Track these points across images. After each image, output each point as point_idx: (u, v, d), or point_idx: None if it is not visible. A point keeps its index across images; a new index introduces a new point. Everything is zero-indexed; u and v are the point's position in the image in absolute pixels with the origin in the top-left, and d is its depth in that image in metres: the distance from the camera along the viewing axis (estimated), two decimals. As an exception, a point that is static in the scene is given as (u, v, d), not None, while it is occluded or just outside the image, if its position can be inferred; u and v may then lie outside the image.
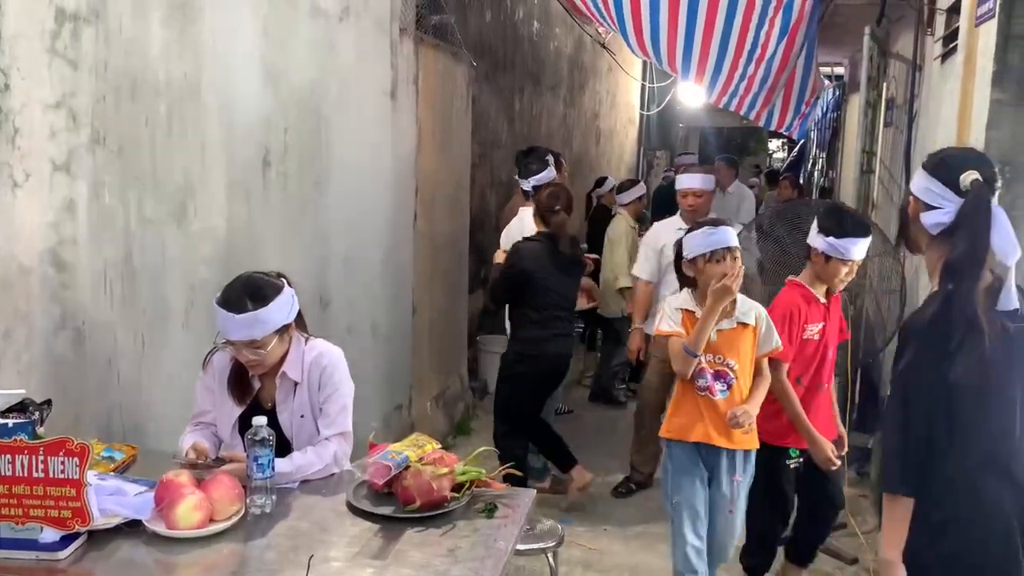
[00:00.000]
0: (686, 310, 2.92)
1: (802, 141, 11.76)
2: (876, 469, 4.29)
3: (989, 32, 3.08)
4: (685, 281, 3.00)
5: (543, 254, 4.04)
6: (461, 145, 5.48)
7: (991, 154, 3.00)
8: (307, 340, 2.40)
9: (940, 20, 4.12)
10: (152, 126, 2.63)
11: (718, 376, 2.89)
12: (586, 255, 5.17)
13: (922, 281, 4.02)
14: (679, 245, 3.02)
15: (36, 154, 2.21)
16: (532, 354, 4.14)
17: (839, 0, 6.21)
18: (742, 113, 6.59)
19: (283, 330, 2.28)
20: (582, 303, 4.83)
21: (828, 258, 3.09)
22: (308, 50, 3.53)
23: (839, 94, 9.31)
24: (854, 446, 4.16)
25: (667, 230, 4.52)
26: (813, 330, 3.16)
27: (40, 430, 2.08)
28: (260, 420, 2.07)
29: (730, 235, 2.90)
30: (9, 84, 2.11)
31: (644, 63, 11.43)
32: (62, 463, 1.83)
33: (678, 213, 4.68)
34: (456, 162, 5.40)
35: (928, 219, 1.92)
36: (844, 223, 3.08)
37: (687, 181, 4.73)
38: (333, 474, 2.31)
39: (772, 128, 7.98)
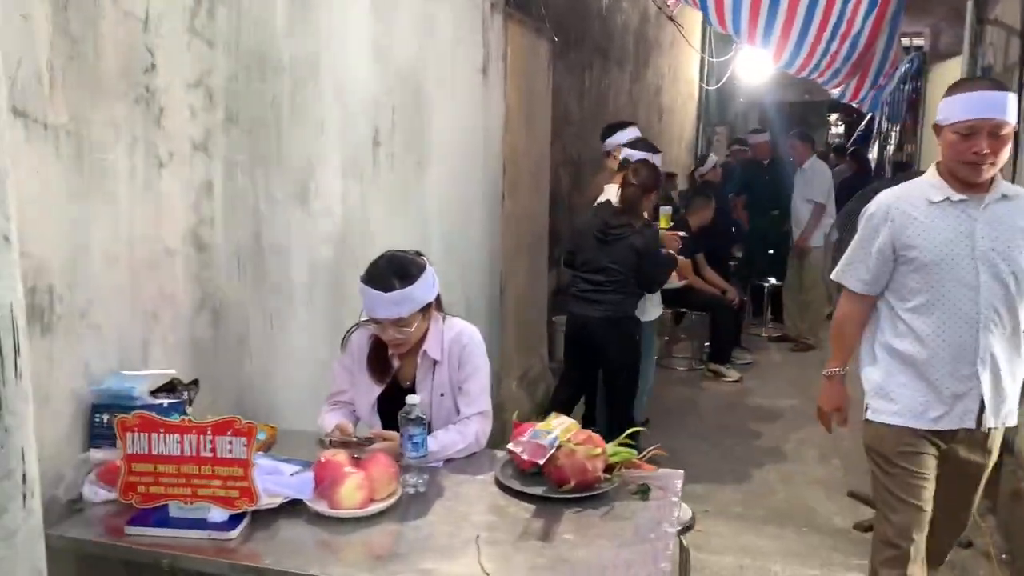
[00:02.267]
0: None
1: (869, 115, 11.46)
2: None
3: None
4: None
5: (586, 223, 4.35)
6: (542, 123, 5.42)
7: None
8: (445, 319, 2.37)
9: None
10: (277, 105, 2.61)
11: None
12: (673, 231, 5.09)
13: None
14: None
15: (178, 134, 2.20)
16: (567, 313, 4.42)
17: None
18: (821, 82, 6.41)
19: (426, 308, 2.25)
20: (673, 280, 4.77)
21: None
22: (410, 27, 3.48)
23: (918, 64, 9.02)
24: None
25: (914, 204, 2.49)
26: None
27: (189, 410, 2.09)
28: (414, 399, 2.04)
29: None
30: (155, 64, 2.10)
31: (703, 35, 11.20)
32: (230, 443, 1.83)
33: (932, 172, 2.52)
34: (538, 140, 5.34)
35: None
36: None
37: (981, 103, 2.34)
38: (474, 453, 2.29)
39: (845, 100, 7.76)
